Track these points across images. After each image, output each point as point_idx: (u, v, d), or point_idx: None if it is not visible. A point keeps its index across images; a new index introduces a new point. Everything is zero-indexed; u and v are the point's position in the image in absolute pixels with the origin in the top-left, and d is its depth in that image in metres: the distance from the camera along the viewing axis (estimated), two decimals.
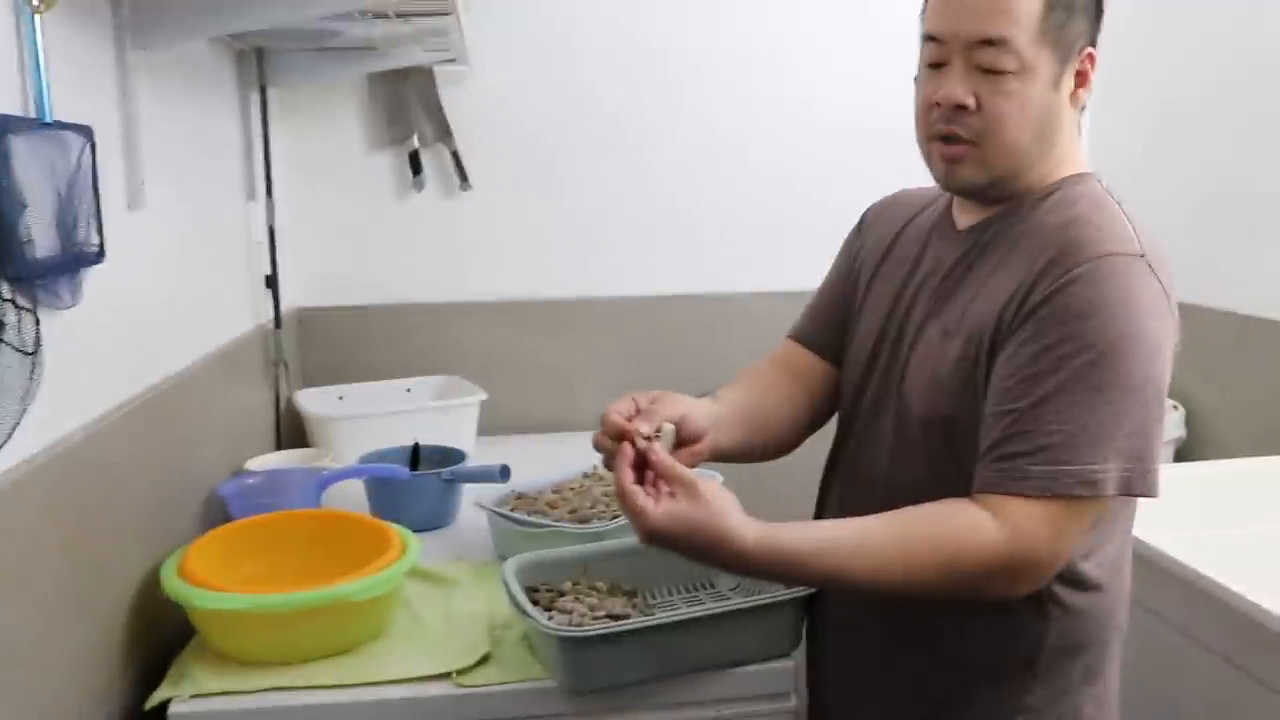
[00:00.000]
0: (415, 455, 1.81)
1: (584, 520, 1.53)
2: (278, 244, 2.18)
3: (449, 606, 1.43)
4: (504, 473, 1.66)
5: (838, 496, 1.30)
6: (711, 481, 1.03)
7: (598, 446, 1.12)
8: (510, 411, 2.37)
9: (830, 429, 1.34)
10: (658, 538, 1.01)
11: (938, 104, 1.10)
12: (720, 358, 2.41)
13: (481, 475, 1.69)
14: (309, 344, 2.36)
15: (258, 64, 2.01)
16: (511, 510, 1.59)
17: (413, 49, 2.04)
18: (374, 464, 1.72)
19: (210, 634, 1.29)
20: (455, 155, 2.32)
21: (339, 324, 2.37)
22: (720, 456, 1.21)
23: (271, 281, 2.07)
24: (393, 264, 2.36)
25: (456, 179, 2.33)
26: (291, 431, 2.14)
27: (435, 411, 2.12)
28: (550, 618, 1.23)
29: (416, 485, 1.69)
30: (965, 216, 1.19)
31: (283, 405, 2.12)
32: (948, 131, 1.11)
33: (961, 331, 1.11)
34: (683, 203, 2.44)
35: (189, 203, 1.67)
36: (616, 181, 2.40)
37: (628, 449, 1.06)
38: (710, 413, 1.21)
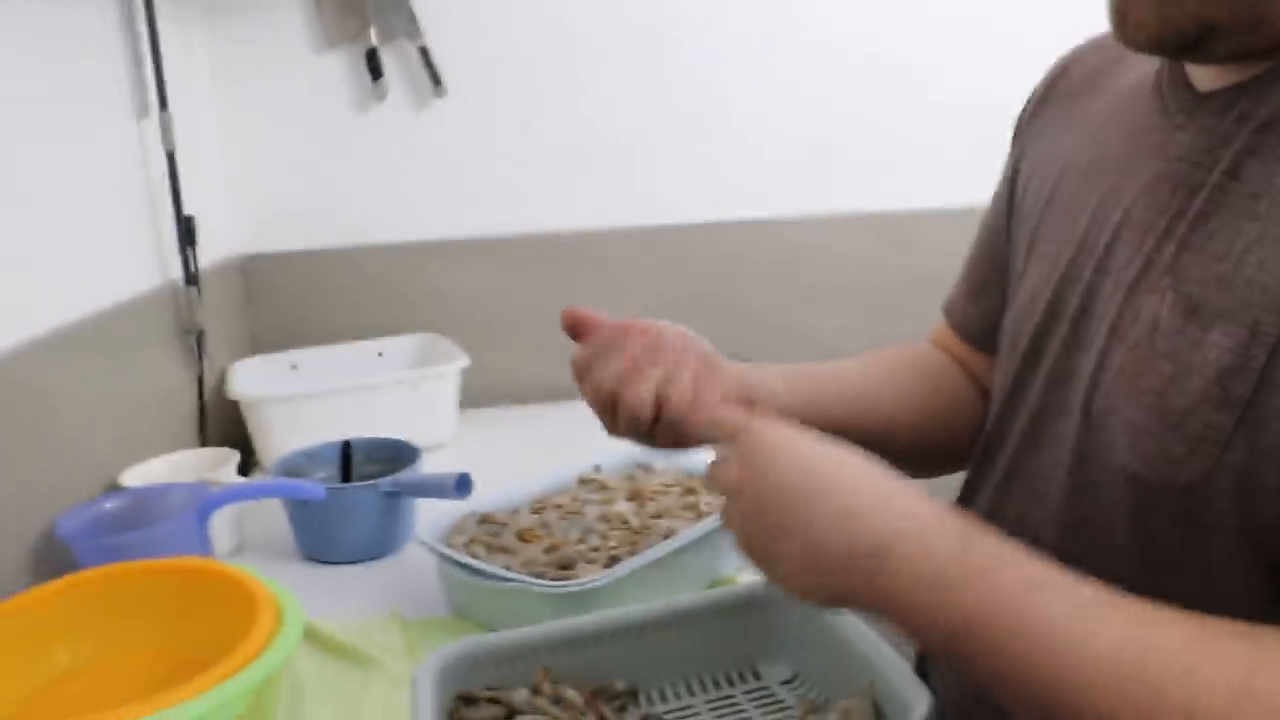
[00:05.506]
0: (346, 458, 1.32)
1: (566, 566, 1.03)
2: (203, 174, 1.70)
3: (357, 714, 0.95)
4: (461, 485, 1.17)
5: None
6: None
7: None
8: (505, 375, 1.88)
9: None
10: (772, 474, 0.60)
11: None
12: (767, 302, 1.93)
13: (430, 488, 1.20)
14: (257, 301, 1.88)
15: None
16: (469, 543, 1.11)
17: None
18: (281, 479, 1.24)
19: None
20: (424, 52, 1.80)
21: (292, 274, 1.87)
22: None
23: (183, 225, 1.58)
24: (352, 194, 1.85)
25: (429, 83, 1.81)
26: (225, 421, 1.67)
27: (401, 386, 1.63)
28: None
29: (338, 504, 1.21)
30: (1212, 70, 0.65)
31: (209, 386, 1.64)
32: None
33: (1228, 311, 0.57)
34: (717, 110, 1.87)
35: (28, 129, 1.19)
36: (633, 84, 1.85)
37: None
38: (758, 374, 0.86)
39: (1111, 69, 0.75)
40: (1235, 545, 0.56)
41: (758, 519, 0.60)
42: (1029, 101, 0.85)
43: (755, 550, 0.62)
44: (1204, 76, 0.65)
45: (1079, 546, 0.63)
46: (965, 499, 0.80)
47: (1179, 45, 0.61)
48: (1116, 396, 0.61)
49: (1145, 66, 0.72)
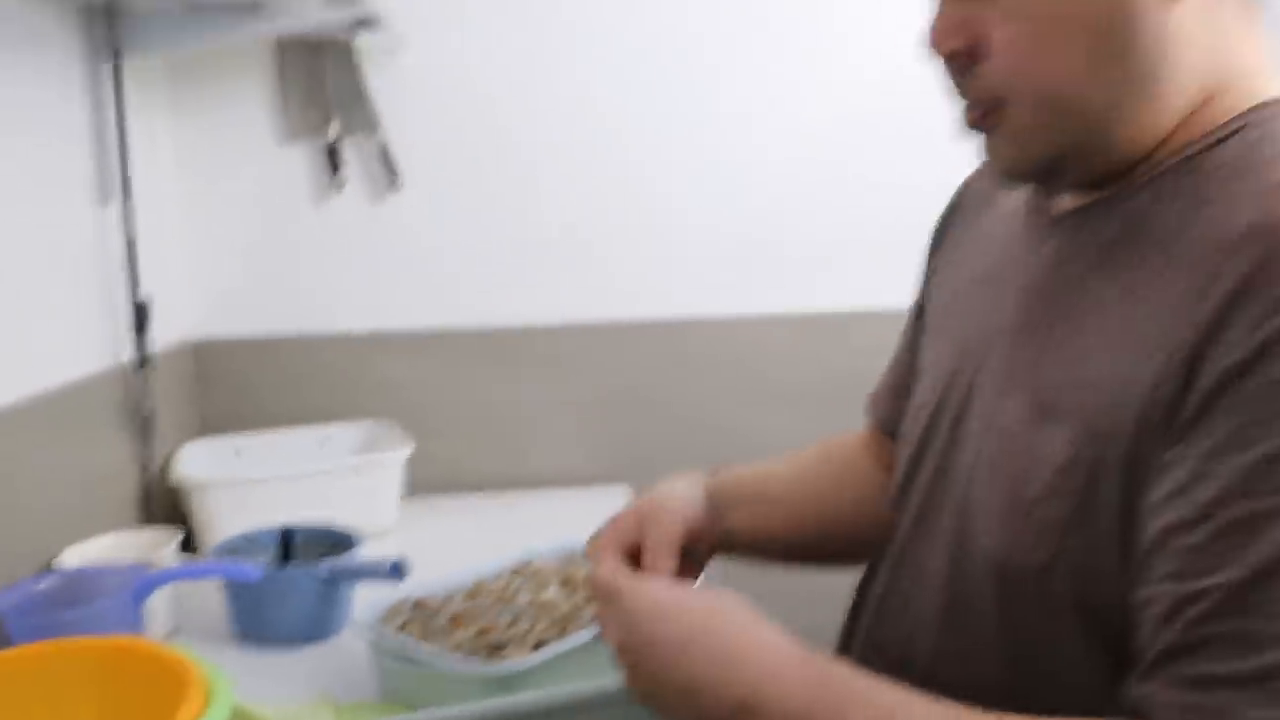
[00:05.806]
0: (286, 544, 1.34)
1: (495, 649, 1.06)
2: (162, 259, 1.74)
3: None
4: (395, 570, 1.19)
5: None
6: None
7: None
8: (450, 464, 1.91)
9: None
10: (650, 633, 0.67)
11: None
12: (709, 399, 1.97)
13: (366, 572, 1.23)
14: (209, 384, 1.90)
15: (108, 26, 1.55)
16: (402, 627, 1.13)
17: (309, 5, 1.57)
18: (217, 561, 1.26)
19: None
20: (383, 149, 1.87)
21: (244, 359, 1.90)
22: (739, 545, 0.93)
23: (137, 310, 1.61)
24: (306, 283, 1.90)
25: (385, 178, 1.87)
26: (171, 503, 1.68)
27: (344, 472, 1.66)
28: None
29: (275, 588, 1.23)
30: (1068, 195, 0.73)
31: (155, 468, 1.66)
32: (960, 93, 0.69)
33: (1069, 411, 0.64)
34: (663, 209, 1.93)
35: None
36: (582, 184, 1.92)
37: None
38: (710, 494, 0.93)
39: (1000, 190, 0.83)
40: (1081, 626, 0.62)
41: (635, 672, 0.68)
42: (937, 224, 0.93)
43: (642, 696, 0.68)
44: (1062, 200, 0.74)
45: (956, 628, 0.70)
46: (865, 582, 0.86)
47: (1034, 177, 0.71)
48: (982, 487, 0.68)
49: (1010, 198, 0.81)
